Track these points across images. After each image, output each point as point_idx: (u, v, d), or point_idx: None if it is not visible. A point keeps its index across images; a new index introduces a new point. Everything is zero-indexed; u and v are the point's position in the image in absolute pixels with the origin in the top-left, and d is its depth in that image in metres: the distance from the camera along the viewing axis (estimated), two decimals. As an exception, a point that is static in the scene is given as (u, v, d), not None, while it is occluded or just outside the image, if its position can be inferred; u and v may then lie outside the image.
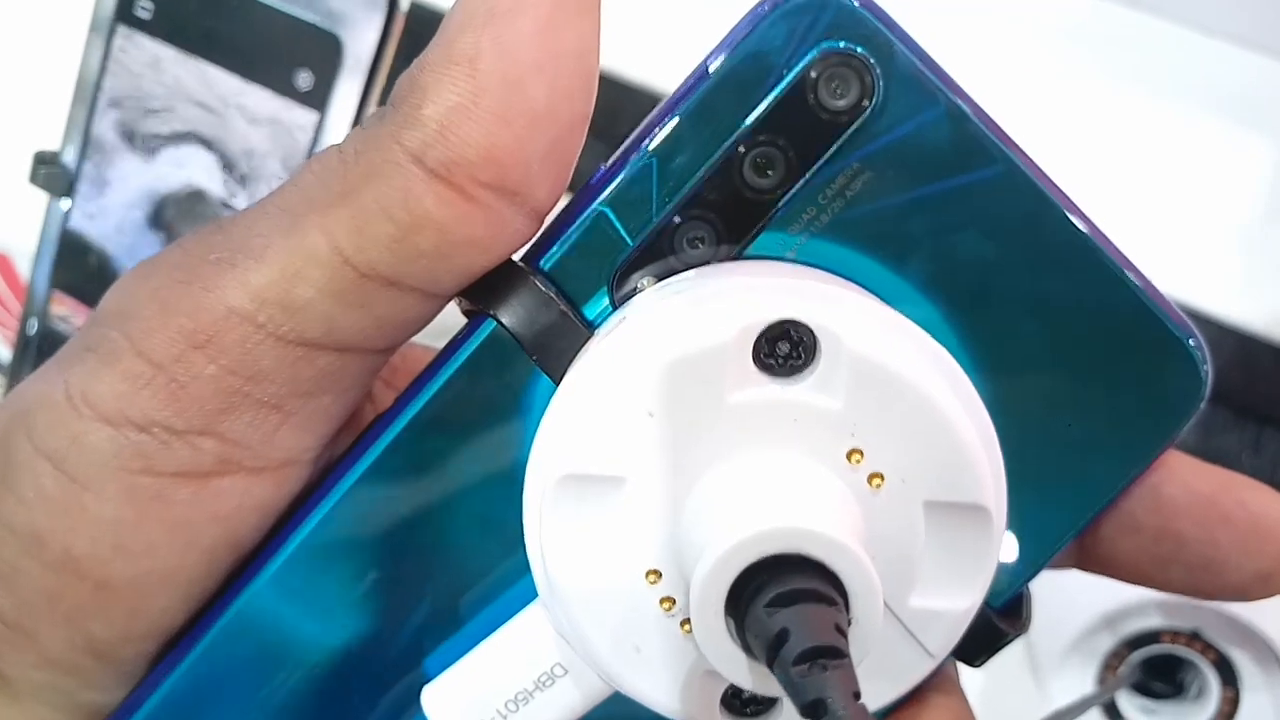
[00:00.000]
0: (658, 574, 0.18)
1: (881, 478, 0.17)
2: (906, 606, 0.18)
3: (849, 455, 0.17)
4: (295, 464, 0.19)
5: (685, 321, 0.17)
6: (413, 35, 0.39)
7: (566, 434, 0.18)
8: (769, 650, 0.15)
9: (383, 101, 0.35)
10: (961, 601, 0.18)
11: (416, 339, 0.20)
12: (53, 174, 0.43)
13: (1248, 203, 0.51)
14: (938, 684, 0.20)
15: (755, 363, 0.17)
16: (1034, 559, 0.20)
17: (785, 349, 0.17)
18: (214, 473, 0.19)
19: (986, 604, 0.19)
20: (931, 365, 0.18)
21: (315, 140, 0.37)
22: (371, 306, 0.18)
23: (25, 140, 0.45)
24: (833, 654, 0.15)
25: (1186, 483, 0.20)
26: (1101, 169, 0.51)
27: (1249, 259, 0.50)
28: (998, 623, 0.20)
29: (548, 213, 0.18)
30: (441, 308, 0.19)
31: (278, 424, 0.19)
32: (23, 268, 0.53)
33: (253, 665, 0.20)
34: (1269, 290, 0.50)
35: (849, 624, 0.16)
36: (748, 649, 0.16)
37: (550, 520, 0.18)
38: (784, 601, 0.16)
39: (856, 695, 0.15)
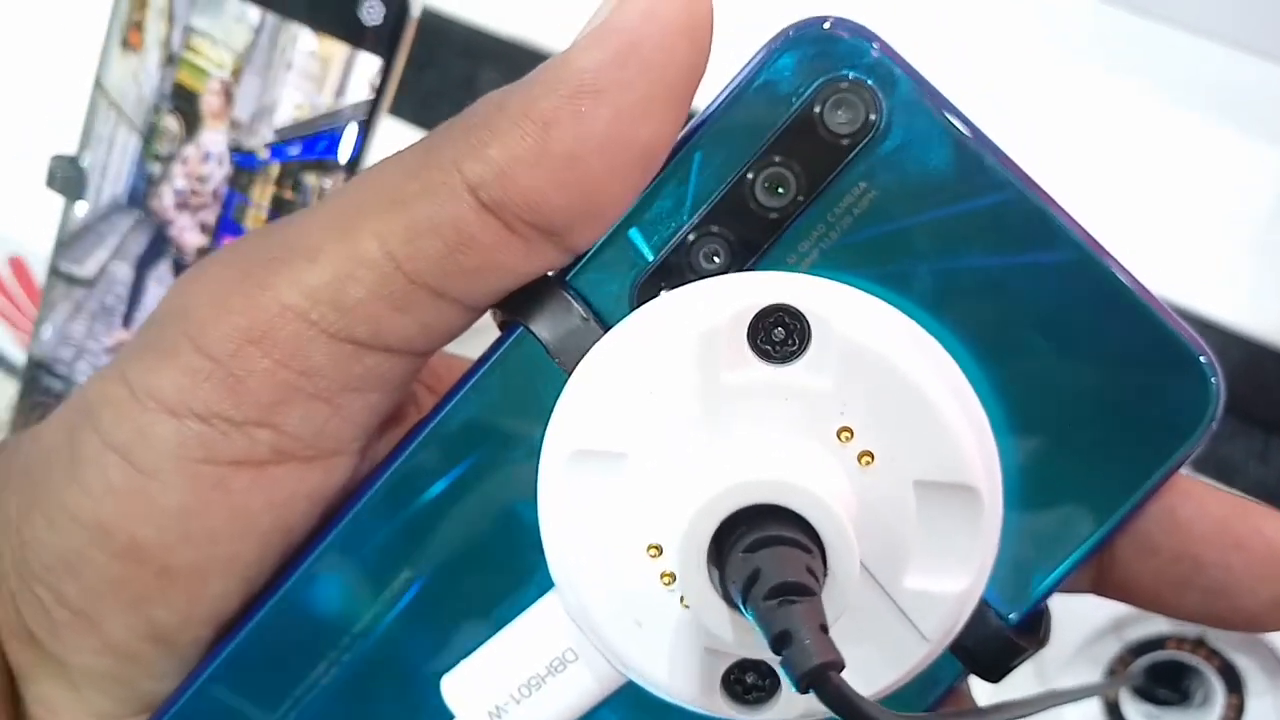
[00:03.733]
0: (658, 549, 0.19)
1: (871, 456, 0.18)
2: (901, 587, 0.18)
3: (839, 433, 0.18)
4: (343, 454, 0.20)
5: (684, 308, 0.19)
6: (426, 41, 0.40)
7: (574, 413, 0.19)
8: (743, 591, 0.16)
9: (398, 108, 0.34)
10: (956, 584, 0.18)
11: (457, 350, 0.21)
12: (69, 178, 0.43)
13: (1255, 210, 0.51)
14: (953, 703, 0.21)
15: (752, 348, 0.18)
16: (1050, 573, 0.20)
17: (780, 335, 0.18)
18: (269, 461, 0.20)
19: (1003, 619, 0.20)
20: (919, 351, 0.18)
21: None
22: (416, 312, 0.19)
23: (42, 143, 0.45)
24: (801, 590, 0.16)
25: (1202, 506, 0.20)
26: (1109, 176, 0.52)
27: (1256, 267, 0.50)
28: (1015, 638, 0.20)
29: (585, 250, 0.20)
30: (477, 318, 0.20)
31: (328, 416, 0.20)
32: (38, 270, 0.53)
33: (297, 651, 0.21)
34: (1276, 298, 0.50)
35: (824, 575, 0.17)
36: (730, 600, 0.17)
37: (557, 495, 0.19)
38: (759, 546, 0.17)
39: (824, 629, 0.15)
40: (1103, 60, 0.53)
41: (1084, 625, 0.44)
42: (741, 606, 0.16)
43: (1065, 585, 0.20)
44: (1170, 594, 0.20)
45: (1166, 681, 0.46)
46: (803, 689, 0.15)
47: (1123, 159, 0.52)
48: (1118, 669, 0.45)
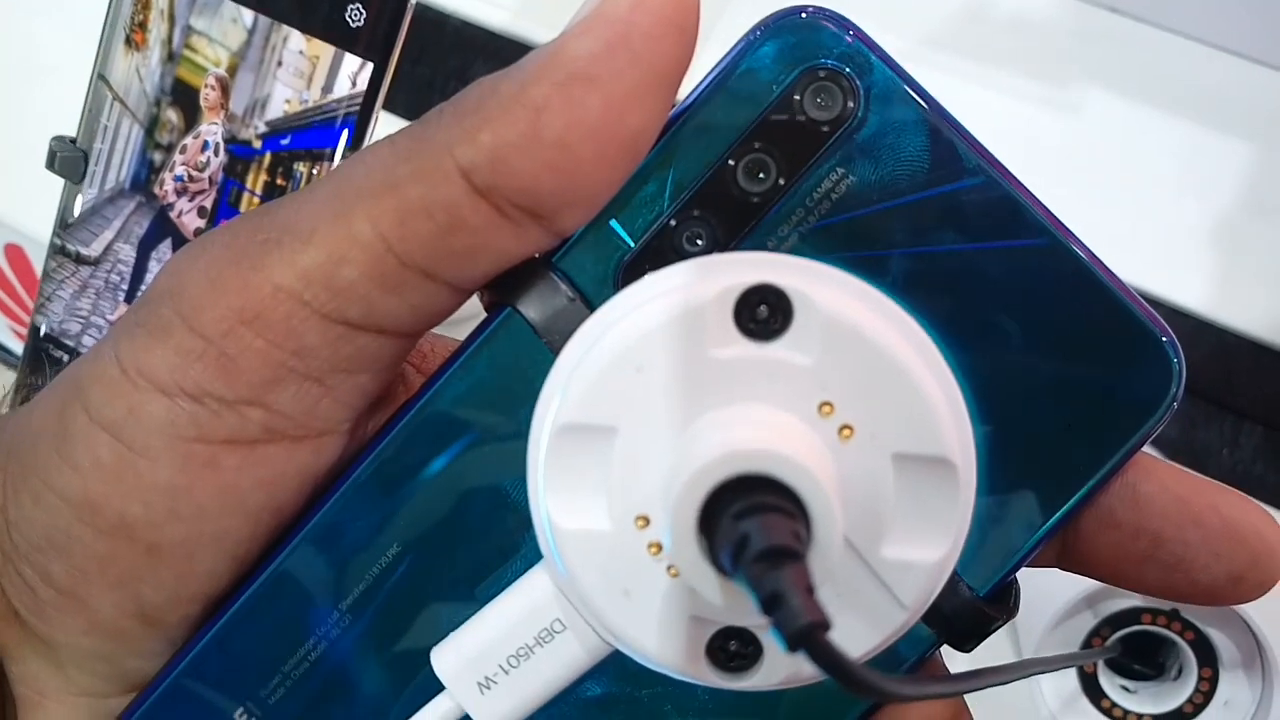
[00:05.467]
0: (646, 519, 0.19)
1: (851, 429, 0.19)
2: (879, 556, 0.19)
3: (820, 408, 0.19)
4: (333, 434, 0.21)
5: (671, 287, 0.19)
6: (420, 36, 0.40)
7: (562, 389, 0.19)
8: (733, 557, 0.17)
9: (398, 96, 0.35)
10: (932, 553, 0.19)
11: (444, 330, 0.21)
12: (69, 158, 0.42)
13: (1227, 202, 0.52)
14: (926, 673, 0.21)
15: (737, 326, 0.19)
16: (1018, 546, 0.20)
17: (764, 313, 0.19)
18: (260, 440, 0.20)
19: (974, 591, 0.20)
20: (897, 329, 0.19)
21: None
22: (407, 294, 0.19)
23: (40, 132, 0.45)
24: (789, 554, 0.16)
25: (1163, 483, 0.20)
26: (1084, 169, 0.52)
27: (1228, 257, 0.51)
28: (986, 609, 0.21)
29: (573, 233, 0.20)
30: (466, 300, 0.20)
31: (319, 396, 0.20)
32: (36, 258, 0.54)
33: (286, 627, 0.21)
34: (1248, 287, 0.51)
35: (810, 542, 0.17)
36: (719, 567, 0.18)
37: (547, 468, 0.19)
38: (747, 513, 0.17)
39: (810, 591, 0.16)
40: (1076, 55, 0.54)
41: (1059, 599, 0.45)
42: (731, 571, 0.17)
43: (1031, 559, 0.21)
44: (1131, 568, 0.21)
45: (1141, 655, 0.47)
46: (792, 648, 0.15)
47: (1098, 152, 0.53)
48: (1094, 643, 0.46)
